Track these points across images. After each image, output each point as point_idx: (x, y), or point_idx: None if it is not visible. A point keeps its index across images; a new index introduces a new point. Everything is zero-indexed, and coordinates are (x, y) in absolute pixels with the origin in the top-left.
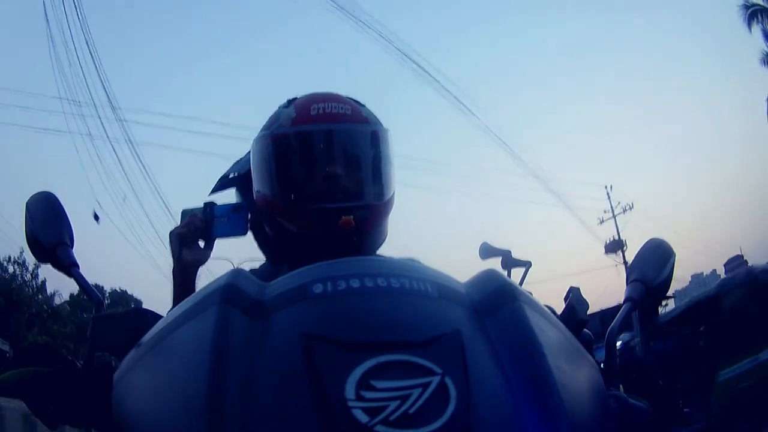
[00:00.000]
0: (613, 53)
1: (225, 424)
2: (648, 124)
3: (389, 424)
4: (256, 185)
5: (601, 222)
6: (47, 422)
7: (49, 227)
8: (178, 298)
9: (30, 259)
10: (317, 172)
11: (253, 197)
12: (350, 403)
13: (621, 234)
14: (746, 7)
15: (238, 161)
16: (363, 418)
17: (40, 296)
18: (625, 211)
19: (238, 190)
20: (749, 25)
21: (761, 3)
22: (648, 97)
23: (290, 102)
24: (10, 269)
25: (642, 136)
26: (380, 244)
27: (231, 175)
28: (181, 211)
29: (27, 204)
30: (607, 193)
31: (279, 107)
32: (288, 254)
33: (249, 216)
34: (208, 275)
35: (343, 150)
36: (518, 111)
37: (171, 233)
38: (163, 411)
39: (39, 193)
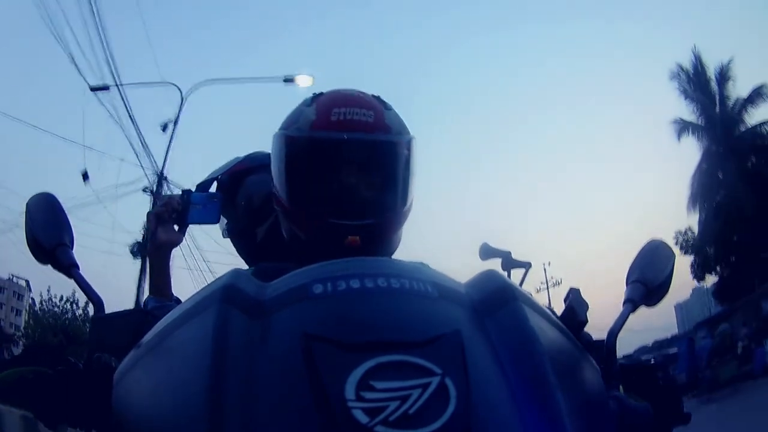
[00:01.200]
0: (553, 144)
1: (225, 424)
2: (590, 214)
3: (389, 424)
4: (274, 180)
5: (538, 291)
6: (47, 422)
7: (49, 228)
8: (153, 278)
9: (81, 296)
10: (330, 181)
11: (235, 204)
12: (350, 404)
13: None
14: (677, 122)
15: (221, 167)
16: (363, 418)
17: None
18: (554, 285)
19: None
20: (679, 136)
21: (692, 120)
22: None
23: (314, 99)
24: (62, 307)
25: (585, 224)
26: (392, 253)
27: (215, 184)
28: (161, 196)
29: (27, 205)
30: (544, 269)
31: (302, 103)
32: (298, 255)
33: (222, 209)
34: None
35: (359, 161)
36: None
37: (149, 213)
38: (163, 411)
39: (39, 194)
